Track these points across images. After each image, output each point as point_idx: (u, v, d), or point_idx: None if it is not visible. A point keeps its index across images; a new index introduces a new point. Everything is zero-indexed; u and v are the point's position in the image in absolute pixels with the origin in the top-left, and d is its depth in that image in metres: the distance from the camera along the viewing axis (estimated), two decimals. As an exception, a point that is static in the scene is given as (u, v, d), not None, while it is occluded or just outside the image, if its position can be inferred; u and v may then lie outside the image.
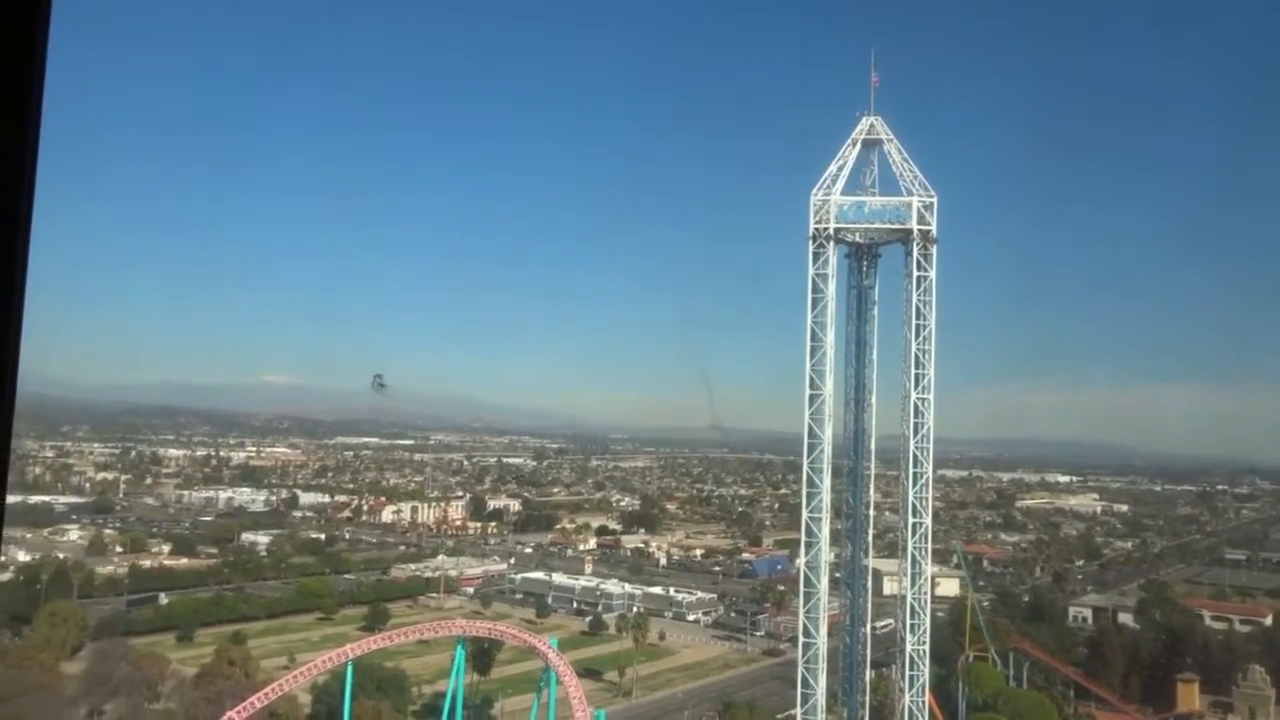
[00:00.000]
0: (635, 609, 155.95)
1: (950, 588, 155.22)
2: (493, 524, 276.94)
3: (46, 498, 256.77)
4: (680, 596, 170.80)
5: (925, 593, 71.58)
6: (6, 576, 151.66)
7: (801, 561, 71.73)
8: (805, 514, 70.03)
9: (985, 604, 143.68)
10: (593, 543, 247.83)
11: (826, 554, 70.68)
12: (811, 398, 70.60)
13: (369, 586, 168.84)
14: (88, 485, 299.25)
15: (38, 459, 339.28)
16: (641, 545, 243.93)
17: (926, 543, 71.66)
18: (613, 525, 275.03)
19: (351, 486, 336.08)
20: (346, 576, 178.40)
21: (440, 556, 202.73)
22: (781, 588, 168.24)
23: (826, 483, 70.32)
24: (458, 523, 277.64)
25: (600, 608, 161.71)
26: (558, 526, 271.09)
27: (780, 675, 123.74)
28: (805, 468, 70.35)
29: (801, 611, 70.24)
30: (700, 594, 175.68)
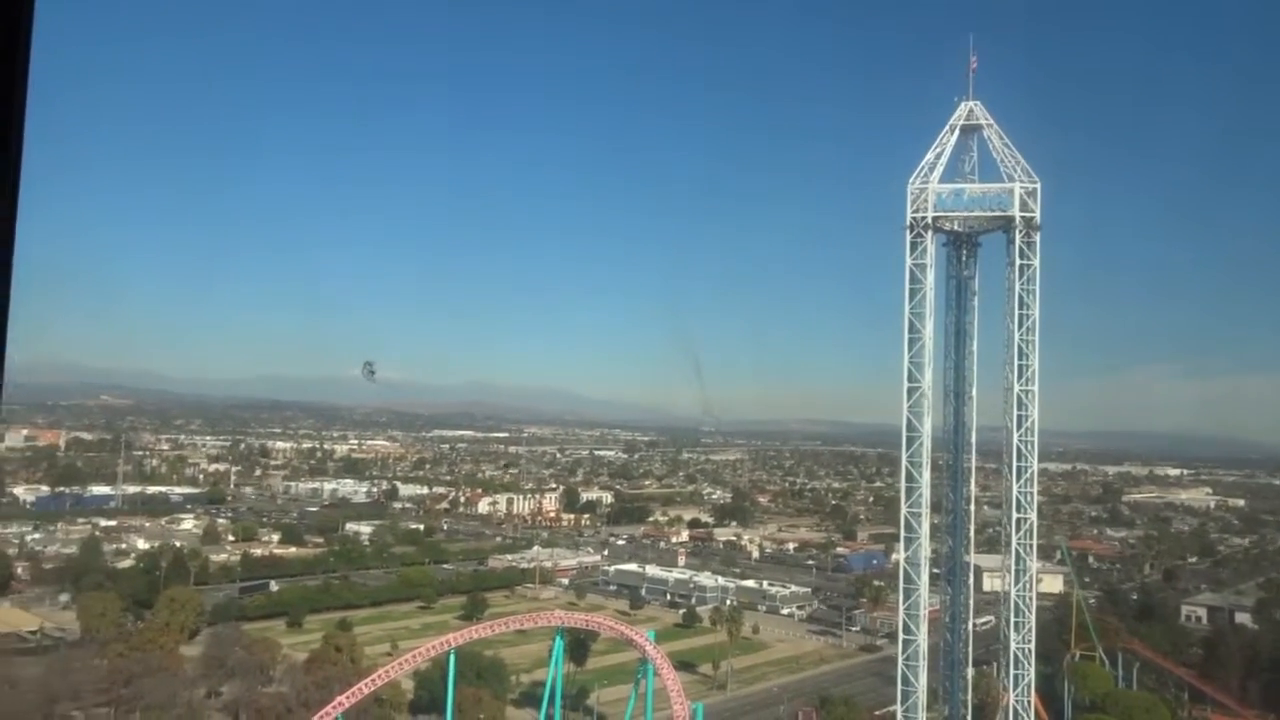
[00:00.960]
0: (729, 602, 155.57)
1: (1054, 585, 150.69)
2: (586, 516, 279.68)
3: (163, 488, 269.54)
4: (774, 590, 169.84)
5: (1030, 590, 69.61)
6: (128, 563, 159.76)
7: (901, 557, 70.54)
8: (904, 509, 68.81)
9: (1091, 602, 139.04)
10: (685, 535, 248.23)
11: (927, 550, 69.32)
12: (910, 391, 69.25)
13: (467, 576, 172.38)
14: (201, 476, 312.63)
15: (154, 451, 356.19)
16: (734, 538, 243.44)
17: (1031, 539, 69.65)
18: (705, 518, 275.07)
19: (449, 478, 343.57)
20: (445, 566, 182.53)
21: (535, 548, 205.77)
22: (878, 583, 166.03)
23: (926, 477, 68.93)
24: (551, 514, 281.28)
25: (694, 600, 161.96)
26: (650, 519, 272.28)
27: (877, 671, 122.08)
28: (904, 462, 69.09)
29: (901, 608, 69.09)
30: (794, 588, 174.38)
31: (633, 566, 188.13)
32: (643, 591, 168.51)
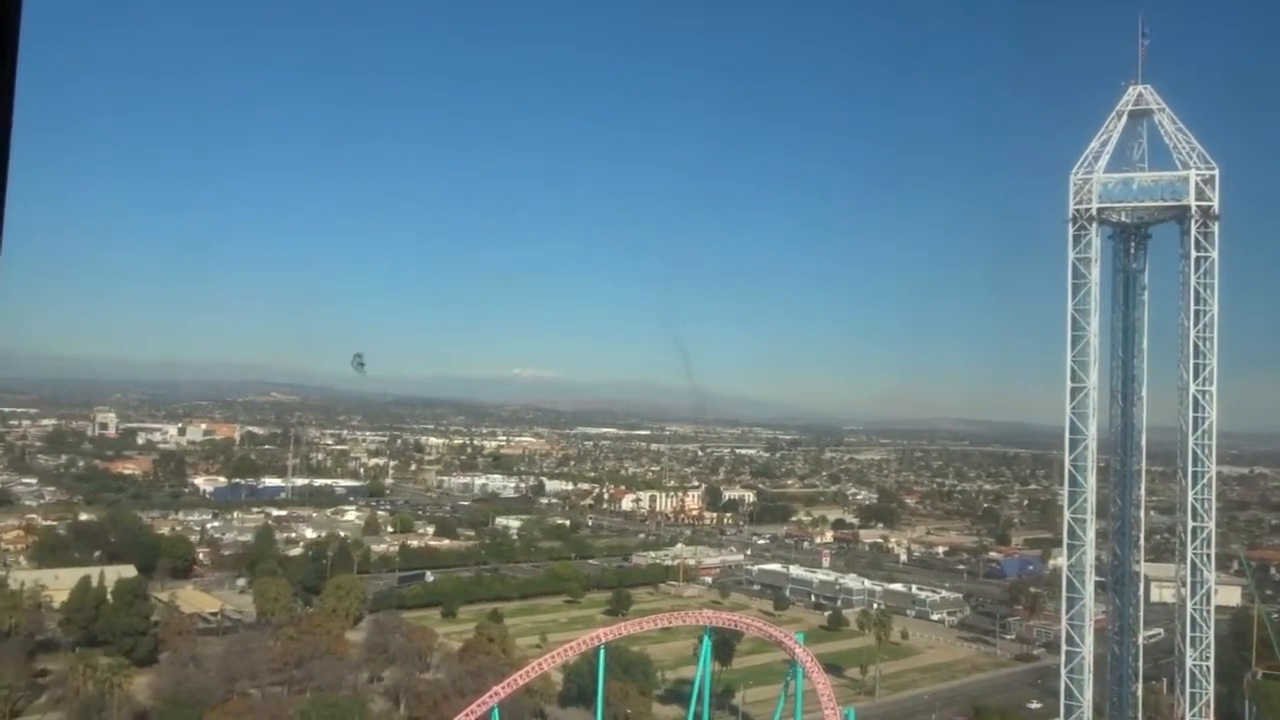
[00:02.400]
0: (876, 605, 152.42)
1: (1230, 597, 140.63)
2: (728, 514, 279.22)
3: (328, 481, 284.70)
4: (923, 594, 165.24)
5: (1208, 603, 65.26)
6: (297, 551, 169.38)
7: (1064, 565, 67.38)
8: (1067, 514, 65.70)
9: (1275, 616, 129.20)
10: (829, 536, 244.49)
11: (1091, 558, 65.99)
12: (1073, 391, 66.04)
13: (612, 572, 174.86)
14: (361, 470, 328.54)
15: (319, 446, 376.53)
16: (880, 540, 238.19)
17: (1209, 548, 65.31)
18: (849, 519, 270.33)
19: (592, 475, 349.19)
20: (590, 562, 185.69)
21: (679, 545, 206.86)
22: (1034, 590, 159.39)
23: (1091, 482, 65.60)
24: (694, 512, 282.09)
25: (839, 602, 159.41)
26: (793, 519, 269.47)
27: (1034, 682, 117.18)
28: (1067, 465, 65.95)
29: (1064, 618, 66.01)
30: (944, 593, 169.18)
31: (776, 566, 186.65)
32: (787, 592, 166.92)
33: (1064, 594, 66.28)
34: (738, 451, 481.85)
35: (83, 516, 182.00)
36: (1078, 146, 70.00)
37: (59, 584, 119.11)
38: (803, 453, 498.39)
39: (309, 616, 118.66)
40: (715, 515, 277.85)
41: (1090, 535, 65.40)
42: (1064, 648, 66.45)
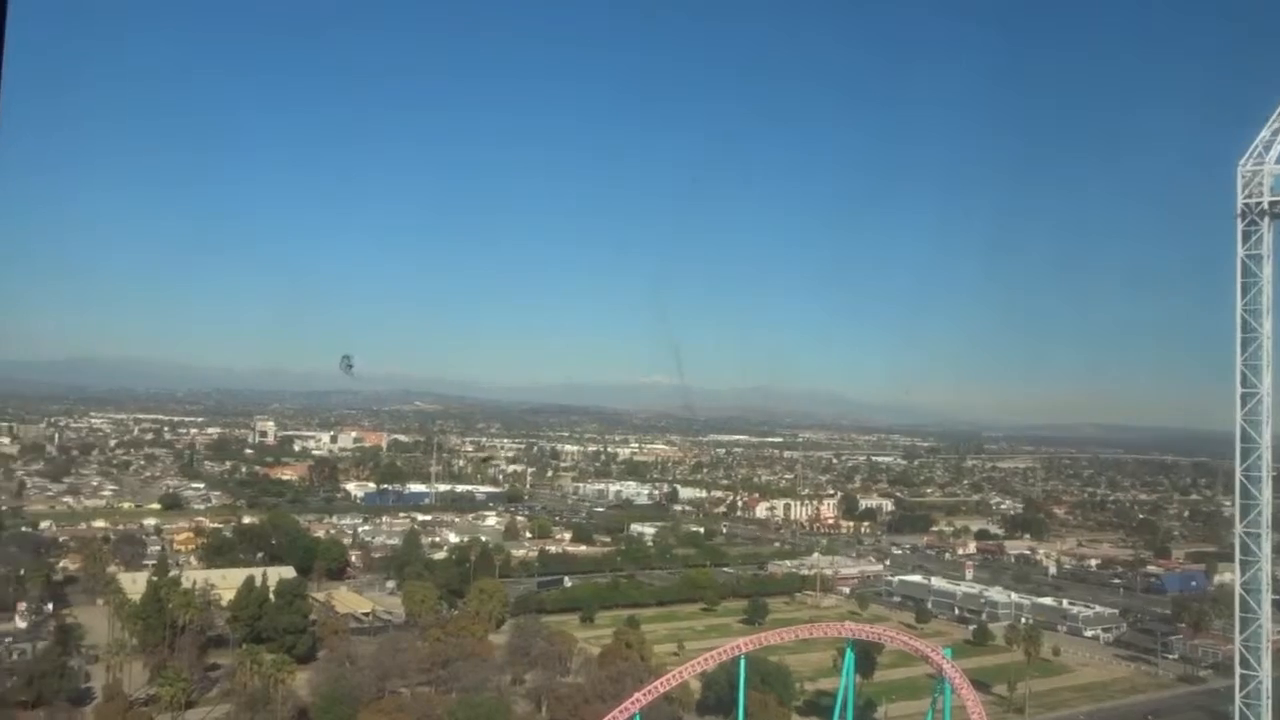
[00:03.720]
0: (1024, 619, 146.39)
1: None
2: (865, 524, 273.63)
3: (469, 487, 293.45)
4: (1075, 609, 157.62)
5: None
6: (442, 555, 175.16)
7: (1236, 582, 63.18)
8: (1240, 528, 61.60)
9: None
10: (972, 547, 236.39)
11: (1268, 574, 61.62)
12: (1245, 396, 61.91)
13: (747, 580, 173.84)
14: (500, 476, 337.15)
15: (460, 453, 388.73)
16: (1027, 552, 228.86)
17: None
18: (993, 529, 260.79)
19: (726, 482, 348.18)
20: (726, 570, 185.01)
21: (815, 555, 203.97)
22: (1199, 607, 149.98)
23: (1267, 494, 61.31)
24: (830, 521, 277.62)
25: (984, 616, 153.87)
26: (933, 528, 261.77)
27: (1201, 705, 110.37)
28: (1239, 475, 61.82)
29: (1238, 639, 61.87)
30: (1098, 608, 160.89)
31: (917, 578, 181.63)
32: (928, 604, 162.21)
33: (1237, 613, 62.11)
34: (874, 459, 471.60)
35: (245, 520, 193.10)
36: (1239, 138, 65.72)
37: (226, 583, 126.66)
38: (942, 460, 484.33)
39: (454, 619, 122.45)
40: (852, 524, 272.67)
41: (1266, 550, 61.10)
42: (1238, 671, 62.27)
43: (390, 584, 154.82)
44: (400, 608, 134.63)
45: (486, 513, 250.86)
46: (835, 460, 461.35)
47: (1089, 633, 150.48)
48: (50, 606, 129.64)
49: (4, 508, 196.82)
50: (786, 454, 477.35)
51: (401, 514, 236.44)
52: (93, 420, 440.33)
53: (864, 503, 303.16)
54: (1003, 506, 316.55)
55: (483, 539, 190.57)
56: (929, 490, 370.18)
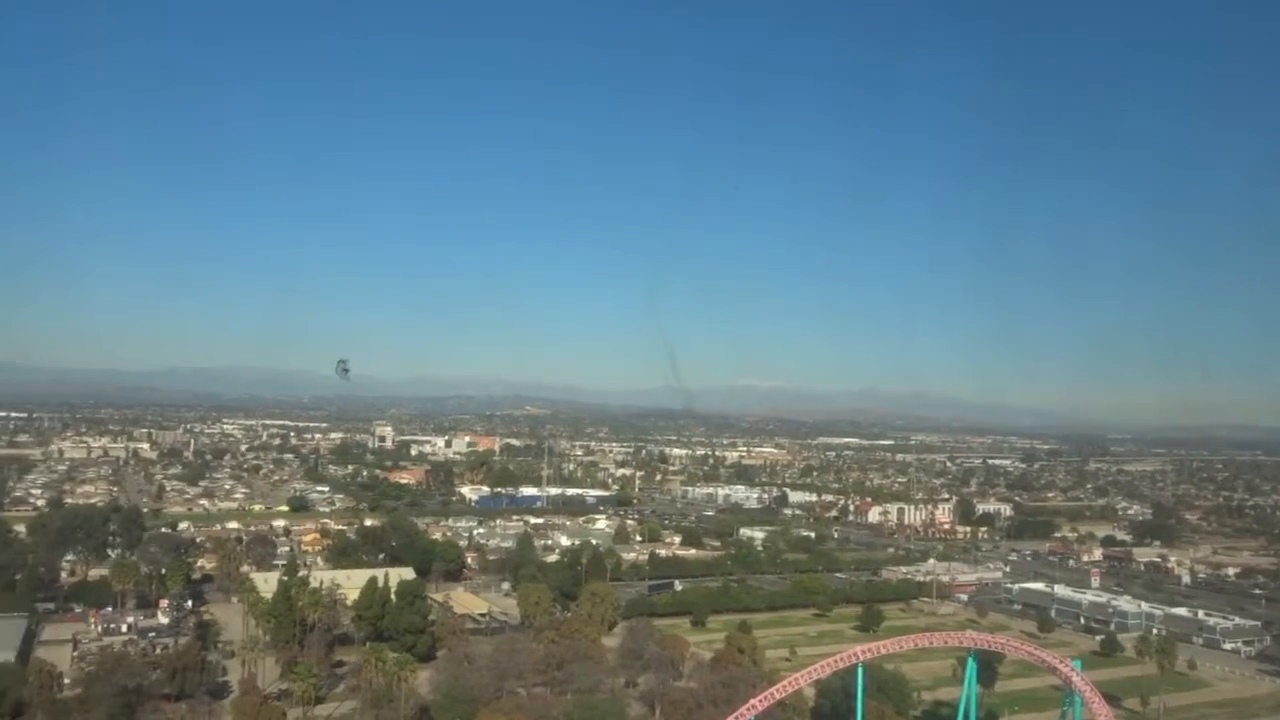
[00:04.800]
0: (1156, 630, 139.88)
1: None
2: (982, 529, 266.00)
3: (580, 490, 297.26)
4: (1212, 621, 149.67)
5: None
6: (554, 557, 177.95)
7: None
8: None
9: None
10: (1098, 554, 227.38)
11: None
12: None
13: (860, 586, 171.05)
14: (610, 480, 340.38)
15: (571, 457, 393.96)
16: (1157, 559, 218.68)
17: None
18: (1120, 535, 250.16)
19: (836, 486, 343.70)
20: (838, 575, 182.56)
21: (930, 560, 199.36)
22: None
23: None
24: (945, 526, 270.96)
25: (1112, 626, 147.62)
26: (1056, 534, 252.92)
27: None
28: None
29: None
30: (1238, 620, 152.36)
31: (1039, 585, 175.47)
32: (1052, 613, 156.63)
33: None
34: (990, 462, 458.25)
35: (367, 521, 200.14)
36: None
37: (350, 583, 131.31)
38: (1063, 463, 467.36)
39: (567, 621, 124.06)
40: (969, 529, 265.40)
41: None
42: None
43: (505, 586, 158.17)
44: (515, 609, 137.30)
45: (597, 516, 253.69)
46: (949, 463, 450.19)
47: (1228, 646, 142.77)
48: (189, 603, 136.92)
49: (146, 509, 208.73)
50: (898, 457, 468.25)
51: (514, 517, 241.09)
52: (225, 426, 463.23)
53: (981, 507, 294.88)
54: (1130, 511, 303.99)
55: (593, 542, 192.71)
56: (1050, 494, 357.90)
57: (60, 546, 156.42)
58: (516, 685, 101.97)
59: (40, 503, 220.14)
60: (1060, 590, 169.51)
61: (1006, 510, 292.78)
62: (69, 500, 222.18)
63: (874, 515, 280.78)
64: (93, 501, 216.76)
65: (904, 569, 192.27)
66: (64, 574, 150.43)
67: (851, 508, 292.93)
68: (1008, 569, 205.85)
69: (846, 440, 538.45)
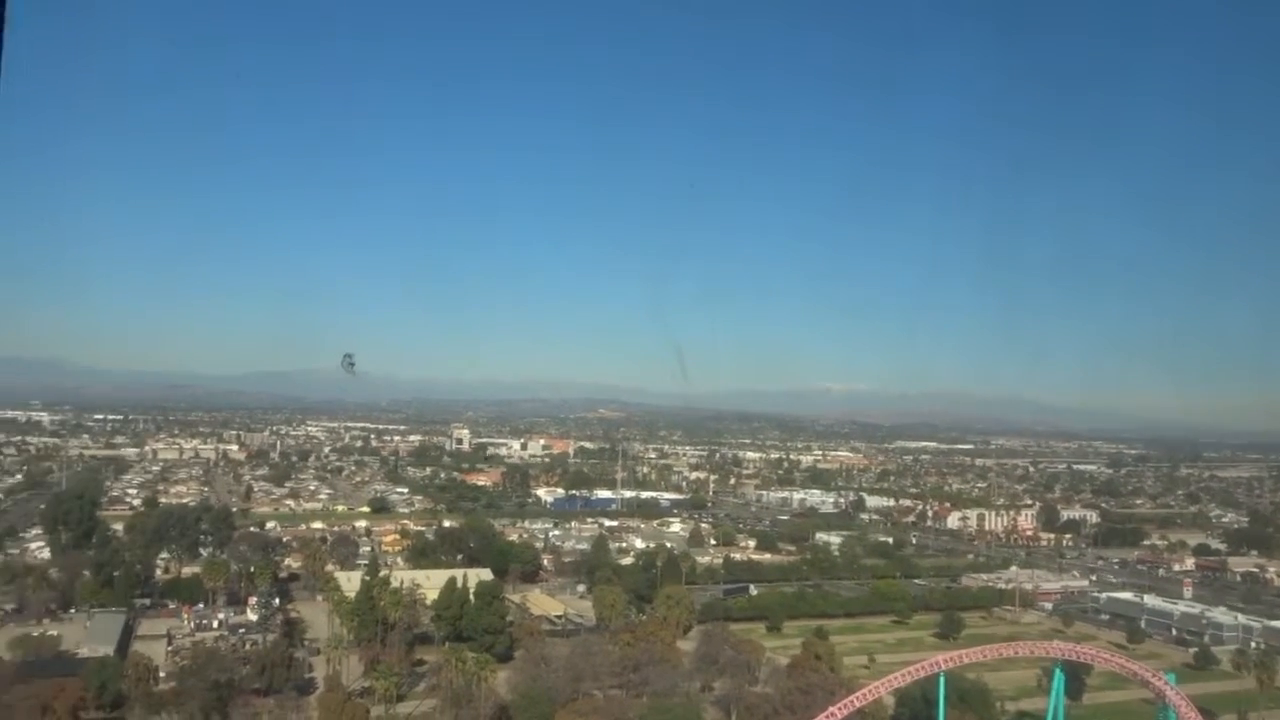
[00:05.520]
0: (1254, 644, 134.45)
1: None
2: (1067, 536, 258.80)
3: (654, 493, 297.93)
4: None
5: None
6: (629, 560, 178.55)
7: None
8: None
9: None
10: (1190, 563, 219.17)
11: None
12: None
13: (940, 593, 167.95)
14: (684, 484, 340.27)
15: (644, 459, 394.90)
16: (1254, 569, 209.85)
17: None
18: (1214, 544, 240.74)
19: (914, 491, 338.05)
20: (916, 581, 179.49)
21: (1013, 568, 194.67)
22: None
23: None
24: (1028, 532, 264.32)
25: (1206, 638, 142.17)
26: (1145, 542, 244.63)
27: None
28: None
29: None
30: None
31: (1128, 595, 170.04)
32: (1141, 624, 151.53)
33: None
34: (1075, 467, 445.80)
35: (445, 523, 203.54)
36: None
37: (430, 583, 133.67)
38: (1152, 469, 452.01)
39: (642, 624, 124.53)
40: (1052, 536, 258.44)
41: None
42: None
43: (580, 588, 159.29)
44: (590, 611, 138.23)
45: (671, 519, 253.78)
46: (1032, 468, 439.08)
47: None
48: (276, 601, 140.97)
49: (235, 509, 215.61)
50: (978, 462, 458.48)
51: (589, 519, 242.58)
52: (309, 428, 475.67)
53: (1065, 513, 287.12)
54: (1224, 519, 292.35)
55: (668, 545, 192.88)
56: (1138, 501, 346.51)
57: (155, 545, 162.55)
58: (593, 687, 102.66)
59: (136, 502, 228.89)
60: (1150, 600, 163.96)
61: (1092, 517, 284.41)
62: (163, 500, 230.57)
63: (953, 521, 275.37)
64: (185, 501, 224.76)
65: (985, 576, 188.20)
66: (159, 571, 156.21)
67: (930, 513, 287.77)
68: (1094, 577, 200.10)
69: (924, 444, 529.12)
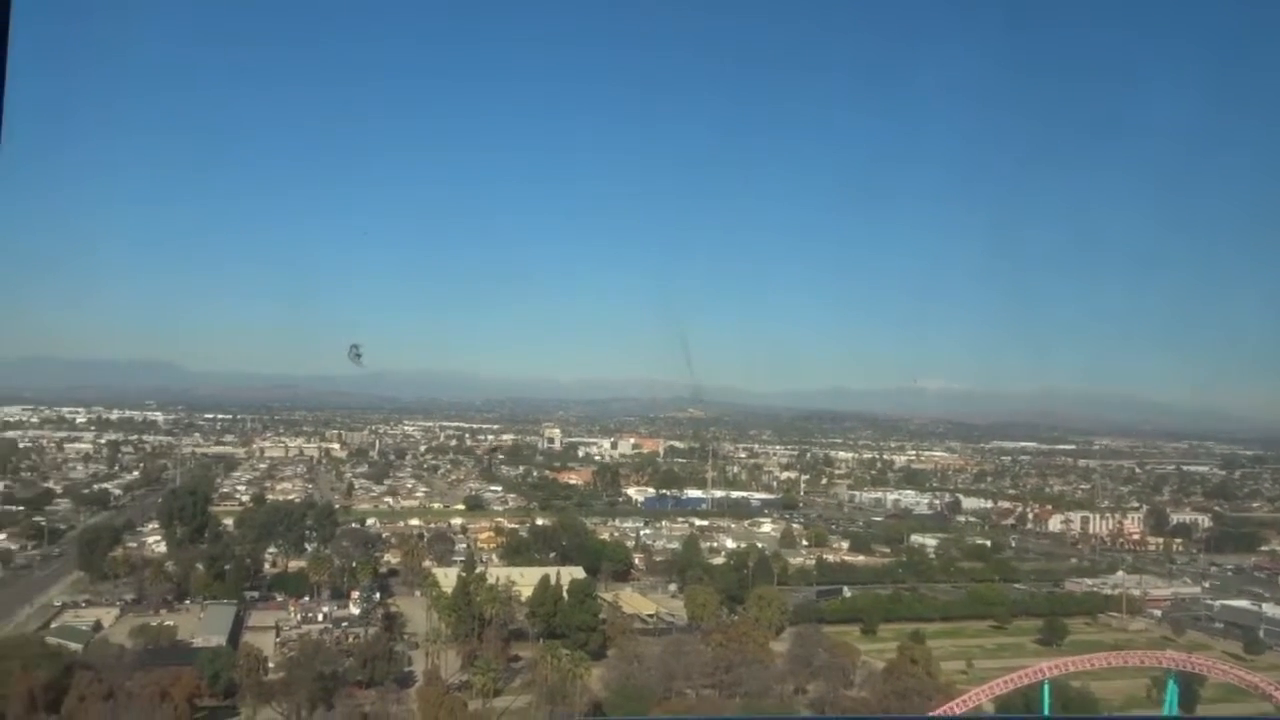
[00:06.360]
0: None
1: None
2: (1177, 540, 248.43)
3: (744, 493, 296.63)
4: None
5: None
6: (720, 560, 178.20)
7: None
8: None
9: None
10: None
11: None
12: None
13: (1041, 598, 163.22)
14: (774, 483, 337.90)
15: (734, 459, 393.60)
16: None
17: None
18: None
19: (1013, 492, 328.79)
20: (1016, 586, 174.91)
21: (1119, 573, 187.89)
22: None
23: None
24: (1135, 536, 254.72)
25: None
26: (1263, 548, 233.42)
27: None
28: None
29: None
30: None
31: (1244, 603, 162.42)
32: (1260, 634, 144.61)
33: None
34: (1184, 468, 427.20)
35: (538, 521, 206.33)
36: None
37: (523, 580, 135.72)
38: (1270, 471, 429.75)
39: (734, 624, 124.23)
40: (1161, 541, 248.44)
41: None
42: None
43: (671, 587, 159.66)
44: (682, 611, 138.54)
45: (762, 519, 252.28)
46: (1139, 470, 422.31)
47: None
48: (377, 596, 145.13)
49: (337, 506, 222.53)
50: (1081, 462, 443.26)
51: (679, 519, 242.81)
52: (405, 427, 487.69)
53: (1175, 517, 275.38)
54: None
55: (759, 546, 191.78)
56: (1255, 504, 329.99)
57: (263, 540, 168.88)
58: (685, 686, 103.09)
59: (245, 499, 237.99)
60: (1270, 609, 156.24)
61: (1205, 520, 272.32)
62: (270, 497, 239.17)
63: (1055, 524, 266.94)
64: (290, 498, 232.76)
65: (1089, 581, 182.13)
66: (267, 565, 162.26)
67: (1030, 515, 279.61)
68: (1207, 584, 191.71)
69: (1022, 444, 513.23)
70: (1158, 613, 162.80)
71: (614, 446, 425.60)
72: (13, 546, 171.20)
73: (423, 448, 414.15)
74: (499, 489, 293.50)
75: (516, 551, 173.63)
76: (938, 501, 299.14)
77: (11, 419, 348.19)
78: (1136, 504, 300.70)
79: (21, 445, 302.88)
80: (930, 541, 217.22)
